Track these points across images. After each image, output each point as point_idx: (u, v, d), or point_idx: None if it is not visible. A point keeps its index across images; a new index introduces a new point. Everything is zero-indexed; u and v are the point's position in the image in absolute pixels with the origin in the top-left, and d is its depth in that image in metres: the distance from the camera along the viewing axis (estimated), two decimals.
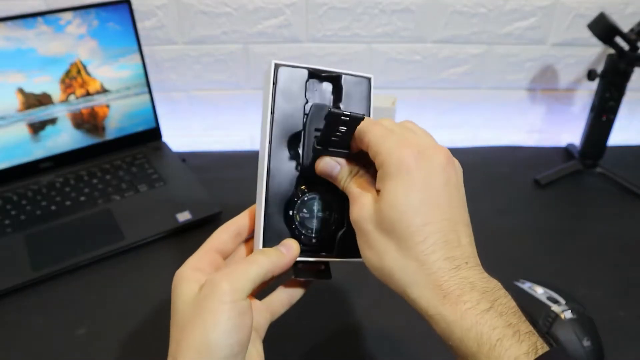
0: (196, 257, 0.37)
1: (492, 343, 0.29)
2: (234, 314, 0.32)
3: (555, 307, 0.51)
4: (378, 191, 0.35)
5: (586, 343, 0.49)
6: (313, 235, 0.40)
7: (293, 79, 0.39)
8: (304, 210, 0.40)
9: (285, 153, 0.39)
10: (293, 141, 0.39)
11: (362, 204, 0.35)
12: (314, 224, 0.40)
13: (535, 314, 0.52)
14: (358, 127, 0.36)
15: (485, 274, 0.33)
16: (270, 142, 0.38)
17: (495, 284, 0.32)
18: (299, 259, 0.38)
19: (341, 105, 0.40)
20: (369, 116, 0.41)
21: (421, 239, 0.32)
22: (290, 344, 0.54)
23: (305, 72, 0.39)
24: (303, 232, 0.39)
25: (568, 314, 0.51)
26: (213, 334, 0.31)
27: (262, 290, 0.40)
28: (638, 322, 0.57)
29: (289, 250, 0.38)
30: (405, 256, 0.32)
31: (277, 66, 0.38)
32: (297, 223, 0.39)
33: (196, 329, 0.32)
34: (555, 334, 0.50)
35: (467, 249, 0.33)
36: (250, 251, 0.40)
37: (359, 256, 0.37)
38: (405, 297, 0.32)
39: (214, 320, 0.32)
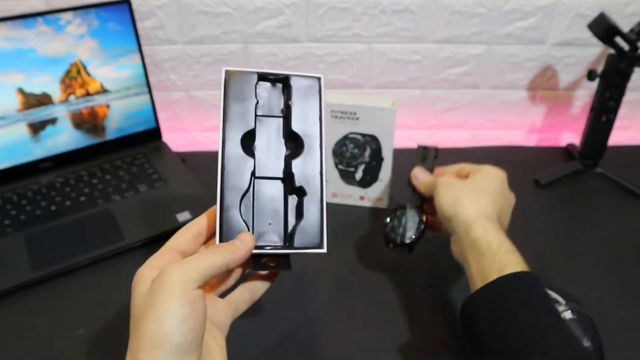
0: (155, 257, 0.38)
1: (506, 249, 0.49)
2: (185, 302, 0.32)
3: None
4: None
5: (586, 343, 0.49)
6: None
7: (244, 82, 0.43)
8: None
9: (240, 150, 0.41)
10: (246, 139, 0.42)
11: (448, 176, 0.62)
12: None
13: None
14: None
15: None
16: (223, 141, 0.41)
17: None
18: (256, 251, 0.39)
19: (291, 103, 0.43)
20: (320, 114, 0.44)
21: (485, 202, 0.54)
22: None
23: (255, 75, 0.43)
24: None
25: (568, 314, 0.50)
26: (165, 323, 0.32)
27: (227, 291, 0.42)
28: (638, 322, 0.57)
29: (244, 242, 0.38)
30: (479, 206, 0.54)
31: (227, 72, 0.42)
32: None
33: (149, 319, 0.32)
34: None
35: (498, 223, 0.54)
36: None
37: (319, 247, 0.40)
38: (456, 215, 0.54)
39: (164, 308, 0.32)
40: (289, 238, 0.41)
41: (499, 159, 0.89)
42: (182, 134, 0.95)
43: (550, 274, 0.64)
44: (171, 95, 0.93)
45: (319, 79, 0.44)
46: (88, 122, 0.81)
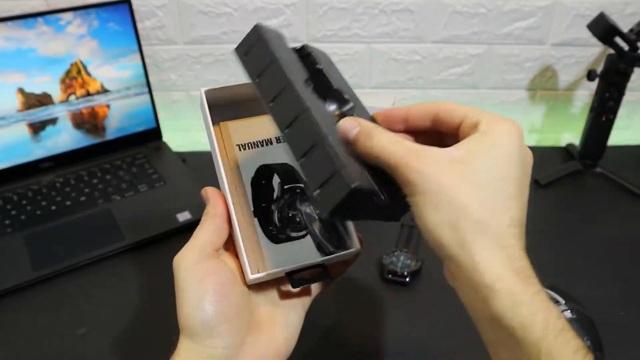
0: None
1: (557, 332, 0.28)
2: (190, 282, 0.34)
3: None
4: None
5: (586, 343, 0.49)
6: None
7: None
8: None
9: None
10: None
11: (432, 154, 0.31)
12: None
13: None
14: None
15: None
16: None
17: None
18: (290, 268, 0.37)
19: (321, 67, 0.36)
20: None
21: (505, 210, 0.30)
22: None
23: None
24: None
25: (568, 314, 0.51)
26: (182, 308, 0.34)
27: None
28: (638, 322, 0.57)
29: (214, 198, 0.38)
30: (488, 219, 0.30)
31: (205, 92, 0.38)
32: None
33: (177, 308, 0.35)
34: None
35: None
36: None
37: (353, 247, 0.37)
38: (463, 259, 0.29)
39: (178, 295, 0.34)
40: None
41: None
42: (182, 134, 0.95)
43: (550, 274, 0.64)
44: (171, 95, 0.93)
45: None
46: (88, 122, 0.81)
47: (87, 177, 0.79)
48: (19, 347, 0.56)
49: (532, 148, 0.34)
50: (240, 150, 0.40)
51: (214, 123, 0.39)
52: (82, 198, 0.75)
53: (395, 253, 0.64)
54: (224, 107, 0.40)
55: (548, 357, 0.27)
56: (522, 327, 0.28)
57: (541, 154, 0.90)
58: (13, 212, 0.72)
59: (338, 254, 0.38)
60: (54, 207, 0.73)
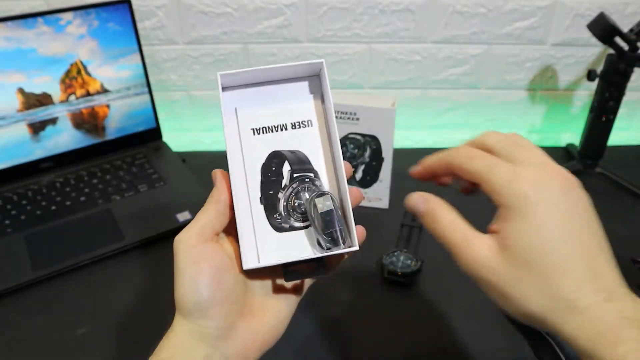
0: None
1: None
2: (187, 264, 0.35)
3: None
4: (492, 232, 0.32)
5: None
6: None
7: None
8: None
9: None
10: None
11: (478, 255, 0.31)
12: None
13: None
14: (453, 159, 0.34)
15: (637, 303, 0.30)
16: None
17: None
18: (286, 261, 0.37)
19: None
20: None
21: (562, 276, 0.29)
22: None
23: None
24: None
25: None
26: (179, 287, 0.35)
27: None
28: None
29: (219, 181, 0.39)
30: (551, 297, 0.29)
31: (220, 75, 0.38)
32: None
33: (174, 287, 0.35)
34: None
35: (610, 276, 0.30)
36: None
37: (351, 245, 0.37)
38: (560, 335, 0.30)
39: (176, 275, 0.35)
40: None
41: None
42: (182, 134, 0.95)
43: None
44: (171, 95, 0.93)
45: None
46: (88, 122, 0.81)
47: (87, 177, 0.79)
48: (19, 347, 0.56)
49: None
50: (254, 134, 0.40)
51: (230, 108, 0.40)
52: (82, 198, 0.75)
53: (395, 253, 0.64)
54: (240, 91, 0.40)
55: None
56: None
57: None
58: (13, 212, 0.72)
59: (336, 251, 0.38)
60: (54, 207, 0.73)
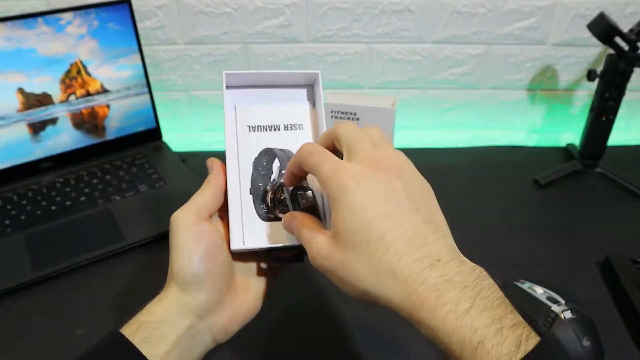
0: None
1: (474, 346, 0.28)
2: (187, 239, 0.38)
3: (555, 307, 0.51)
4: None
5: (586, 343, 0.49)
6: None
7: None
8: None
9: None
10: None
11: (317, 247, 0.35)
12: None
13: (535, 314, 0.52)
14: (298, 158, 0.37)
15: (465, 266, 0.31)
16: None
17: (477, 274, 0.31)
18: (269, 246, 0.41)
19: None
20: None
21: (383, 251, 0.31)
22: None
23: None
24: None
25: (568, 314, 0.51)
26: (178, 260, 0.38)
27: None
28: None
29: (215, 168, 0.42)
30: (375, 273, 0.31)
31: (226, 74, 0.43)
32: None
33: (171, 258, 0.39)
34: (555, 334, 0.50)
35: (436, 244, 0.32)
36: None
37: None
38: (390, 308, 0.32)
39: (174, 248, 0.39)
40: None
41: (499, 159, 0.90)
42: (182, 134, 0.95)
43: (550, 274, 0.64)
44: (171, 95, 0.93)
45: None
46: (88, 122, 0.81)
47: (87, 177, 0.79)
48: (19, 347, 0.55)
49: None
50: (250, 131, 0.44)
51: (231, 104, 0.44)
52: (82, 198, 0.75)
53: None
54: (242, 90, 0.44)
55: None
56: (446, 349, 0.29)
57: (541, 154, 0.90)
58: (13, 212, 0.72)
59: None
60: (54, 207, 0.73)
